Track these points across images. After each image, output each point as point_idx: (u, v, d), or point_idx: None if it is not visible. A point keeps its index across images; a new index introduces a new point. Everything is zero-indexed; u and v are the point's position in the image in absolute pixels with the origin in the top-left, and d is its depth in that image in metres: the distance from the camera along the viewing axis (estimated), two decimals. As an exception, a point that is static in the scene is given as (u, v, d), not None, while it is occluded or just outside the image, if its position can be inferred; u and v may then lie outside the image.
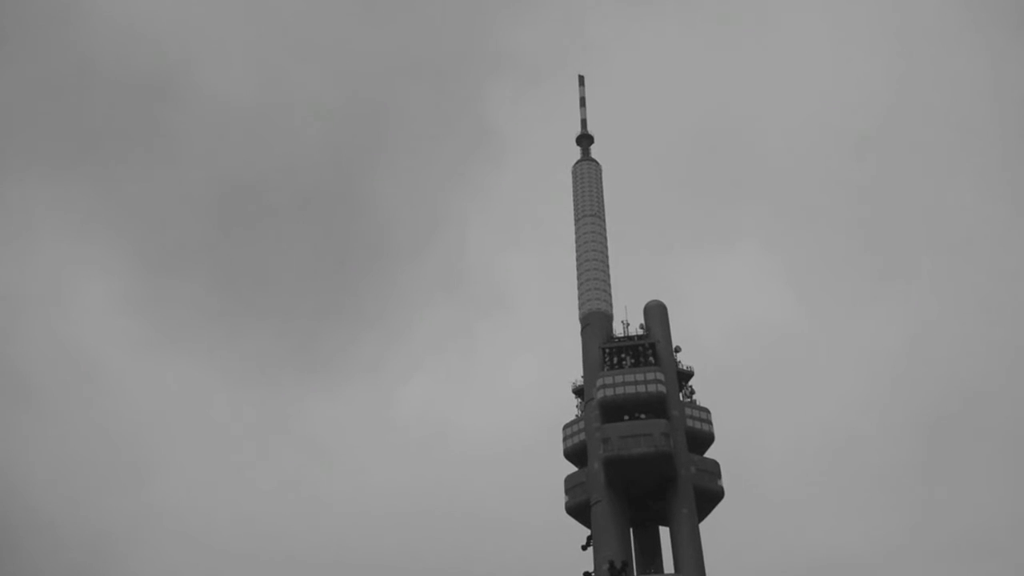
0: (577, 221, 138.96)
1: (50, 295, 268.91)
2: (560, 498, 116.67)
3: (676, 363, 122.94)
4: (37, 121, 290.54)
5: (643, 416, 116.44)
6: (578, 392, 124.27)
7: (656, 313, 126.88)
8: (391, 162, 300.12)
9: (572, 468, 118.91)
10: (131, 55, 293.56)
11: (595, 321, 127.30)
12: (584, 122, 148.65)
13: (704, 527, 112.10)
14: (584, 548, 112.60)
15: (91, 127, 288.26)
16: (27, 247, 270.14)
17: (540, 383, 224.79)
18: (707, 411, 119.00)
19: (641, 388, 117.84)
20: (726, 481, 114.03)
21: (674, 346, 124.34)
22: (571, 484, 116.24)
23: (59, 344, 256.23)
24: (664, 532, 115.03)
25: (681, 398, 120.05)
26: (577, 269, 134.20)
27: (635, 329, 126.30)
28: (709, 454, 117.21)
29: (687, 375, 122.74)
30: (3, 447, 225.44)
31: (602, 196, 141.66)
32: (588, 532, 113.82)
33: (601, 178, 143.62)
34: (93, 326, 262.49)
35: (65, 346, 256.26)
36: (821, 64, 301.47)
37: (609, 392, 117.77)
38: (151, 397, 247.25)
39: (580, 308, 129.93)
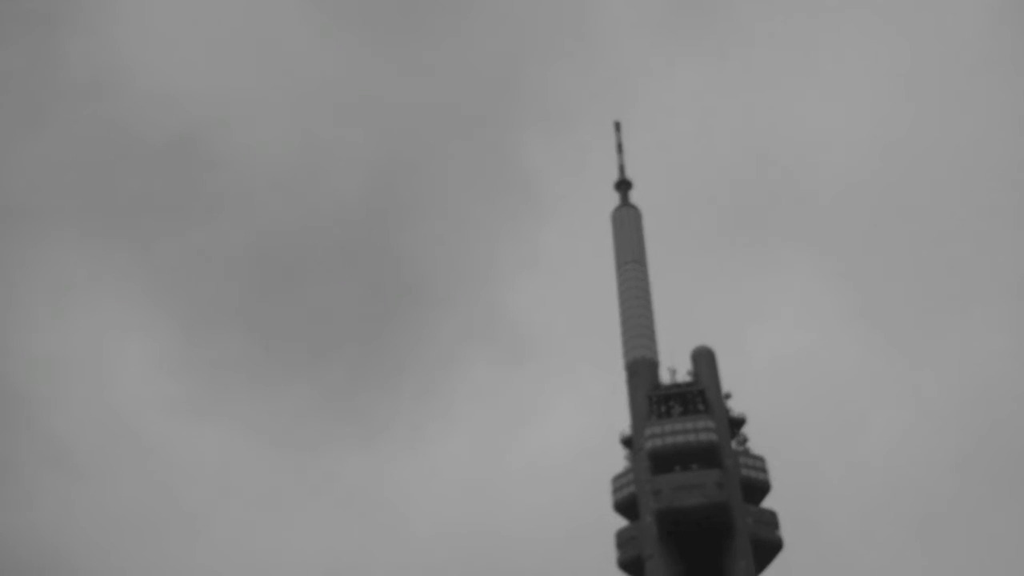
0: (619, 268, 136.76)
1: (90, 358, 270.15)
2: (611, 553, 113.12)
3: (727, 410, 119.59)
4: (74, 186, 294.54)
5: (695, 466, 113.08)
6: (627, 442, 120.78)
7: (704, 359, 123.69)
8: (429, 213, 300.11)
9: (623, 521, 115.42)
10: (166, 118, 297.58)
11: (641, 369, 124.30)
12: (622, 168, 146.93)
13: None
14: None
15: (127, 191, 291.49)
16: (67, 311, 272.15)
17: (587, 434, 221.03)
18: (762, 459, 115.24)
19: (692, 437, 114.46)
20: (784, 531, 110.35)
21: (724, 392, 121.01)
22: (623, 538, 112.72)
23: (99, 407, 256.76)
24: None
25: (734, 446, 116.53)
26: (621, 316, 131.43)
27: (682, 376, 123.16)
28: (766, 503, 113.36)
29: (739, 422, 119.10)
30: (45, 510, 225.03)
31: (643, 241, 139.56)
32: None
33: (641, 223, 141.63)
34: (132, 388, 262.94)
35: (105, 409, 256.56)
36: (863, 103, 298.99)
37: (658, 442, 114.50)
38: (191, 458, 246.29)
39: (625, 356, 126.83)
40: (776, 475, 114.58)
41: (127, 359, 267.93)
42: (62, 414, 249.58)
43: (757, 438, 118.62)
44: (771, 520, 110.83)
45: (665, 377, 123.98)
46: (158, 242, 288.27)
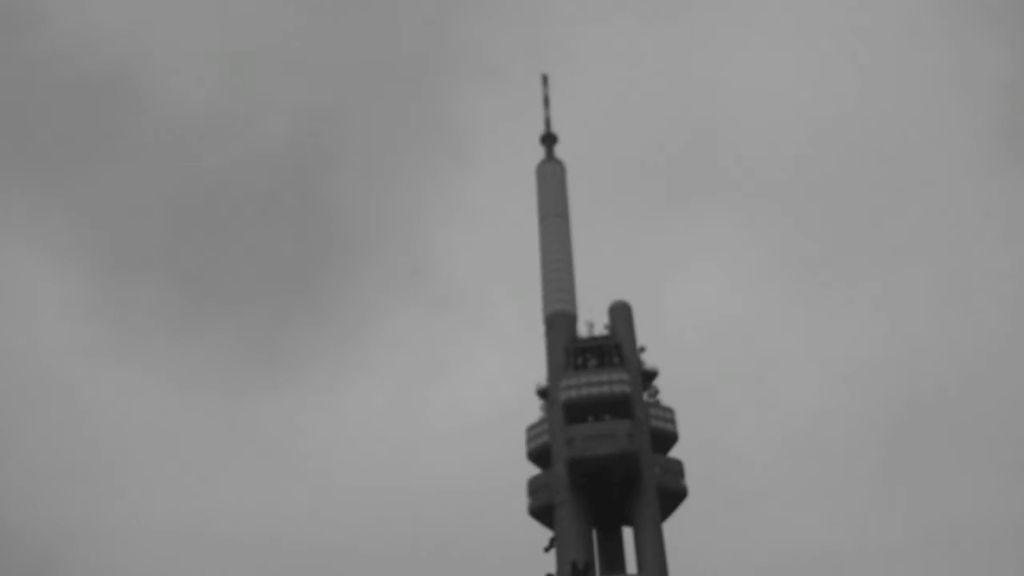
0: (541, 222, 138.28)
1: (2, 299, 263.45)
2: (522, 500, 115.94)
3: (640, 363, 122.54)
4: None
5: (607, 417, 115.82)
6: (542, 394, 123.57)
7: (621, 314, 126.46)
8: (352, 162, 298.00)
9: (535, 470, 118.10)
10: (86, 54, 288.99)
11: (559, 322, 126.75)
12: (548, 121, 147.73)
13: (668, 527, 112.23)
14: (547, 550, 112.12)
15: (45, 127, 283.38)
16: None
17: (503, 384, 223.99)
18: (671, 411, 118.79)
19: (606, 388, 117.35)
20: (691, 481, 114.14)
21: (639, 346, 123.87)
22: (535, 486, 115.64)
23: (11, 349, 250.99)
24: (628, 533, 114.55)
25: (645, 398, 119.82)
26: (541, 270, 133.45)
27: (600, 330, 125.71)
28: (674, 453, 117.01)
29: (651, 375, 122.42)
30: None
31: (566, 196, 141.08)
32: (551, 534, 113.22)
33: (565, 178, 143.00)
34: (47, 331, 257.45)
35: (18, 351, 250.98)
36: (794, 62, 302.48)
37: (573, 393, 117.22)
38: (107, 402, 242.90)
39: (544, 309, 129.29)
40: (685, 427, 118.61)
41: (40, 301, 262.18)
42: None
43: (670, 391, 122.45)
44: (677, 469, 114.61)
45: (583, 331, 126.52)
46: (76, 181, 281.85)
